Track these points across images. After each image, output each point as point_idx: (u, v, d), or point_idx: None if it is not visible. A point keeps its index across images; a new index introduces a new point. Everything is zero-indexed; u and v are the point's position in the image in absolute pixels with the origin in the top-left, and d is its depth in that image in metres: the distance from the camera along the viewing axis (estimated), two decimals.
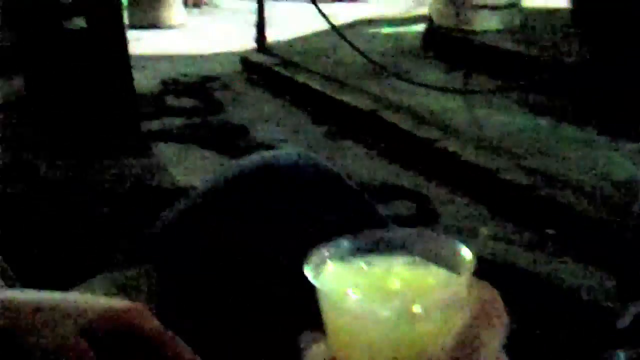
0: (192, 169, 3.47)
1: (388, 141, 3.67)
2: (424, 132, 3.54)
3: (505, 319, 0.49)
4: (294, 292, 0.66)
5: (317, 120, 4.15)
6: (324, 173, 0.85)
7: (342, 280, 0.52)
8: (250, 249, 0.79)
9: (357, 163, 3.49)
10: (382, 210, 0.86)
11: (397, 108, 3.91)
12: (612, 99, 3.51)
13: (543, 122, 3.63)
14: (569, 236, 2.65)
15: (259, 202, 0.81)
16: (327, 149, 3.67)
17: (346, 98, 4.13)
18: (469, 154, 3.23)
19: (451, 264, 0.52)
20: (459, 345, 0.47)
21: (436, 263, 0.53)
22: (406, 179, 3.29)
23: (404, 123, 3.68)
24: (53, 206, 3.09)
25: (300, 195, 0.82)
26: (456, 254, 0.52)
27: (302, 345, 0.53)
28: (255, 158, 0.87)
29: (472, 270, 0.50)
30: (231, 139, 3.90)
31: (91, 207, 3.05)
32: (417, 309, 0.49)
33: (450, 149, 3.32)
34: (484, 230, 0.56)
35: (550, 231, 2.69)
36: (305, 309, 0.56)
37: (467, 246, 0.51)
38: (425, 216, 2.94)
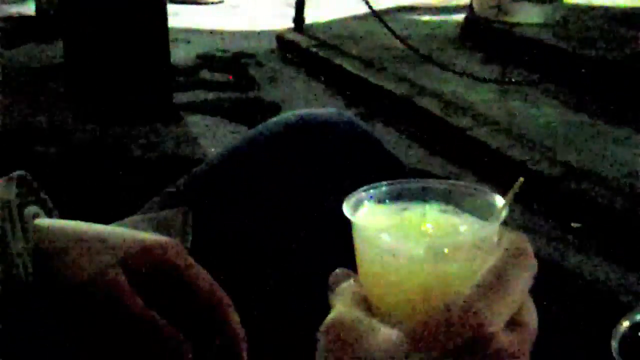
0: (221, 142, 3.50)
1: (420, 127, 3.67)
2: (456, 120, 3.53)
3: (534, 262, 0.49)
4: (324, 242, 0.67)
5: (351, 102, 4.15)
6: (360, 132, 0.86)
7: (378, 220, 0.54)
8: (284, 198, 0.80)
9: (388, 146, 3.49)
10: None
11: (431, 94, 3.89)
12: None
13: (578, 117, 3.59)
14: (594, 230, 2.63)
15: (295, 154, 0.82)
16: None
17: (381, 82, 4.13)
18: (499, 144, 3.21)
19: (484, 213, 0.53)
20: (488, 281, 0.47)
21: (469, 212, 0.54)
22: (435, 165, 3.29)
23: (437, 110, 3.67)
24: (82, 169, 3.14)
25: (335, 150, 0.83)
26: (488, 202, 0.53)
27: (332, 280, 0.54)
28: (294, 113, 0.88)
29: (502, 217, 0.51)
30: (262, 116, 3.92)
31: (119, 172, 3.09)
32: (447, 249, 0.50)
33: (481, 138, 3.31)
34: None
35: (575, 225, 2.68)
36: (335, 257, 0.57)
37: (500, 195, 0.52)
38: None
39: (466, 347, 0.46)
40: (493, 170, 3.13)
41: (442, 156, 3.36)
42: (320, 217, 0.74)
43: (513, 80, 4.04)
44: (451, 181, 0.56)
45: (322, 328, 0.50)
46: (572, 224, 2.69)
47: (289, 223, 0.79)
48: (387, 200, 0.55)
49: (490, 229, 0.51)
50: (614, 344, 0.52)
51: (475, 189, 0.54)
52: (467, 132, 3.38)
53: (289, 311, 0.74)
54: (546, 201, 2.83)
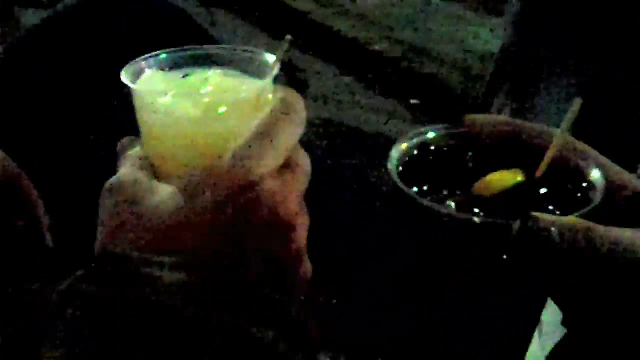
0: None
1: (262, 11, 3.62)
2: (297, 4, 3.52)
3: (303, 115, 0.52)
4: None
5: None
6: (165, 5, 0.85)
7: (159, 85, 0.54)
8: (87, 77, 0.79)
9: (230, 32, 3.44)
10: None
11: None
12: None
13: None
14: (432, 106, 2.75)
15: (99, 30, 0.81)
16: (200, 17, 3.59)
17: None
18: (341, 26, 3.25)
19: (262, 74, 0.55)
20: (257, 132, 0.50)
21: (251, 75, 0.56)
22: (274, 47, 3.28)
23: None
24: None
25: (141, 24, 0.82)
26: (265, 63, 0.55)
27: (119, 148, 0.55)
28: None
29: (274, 74, 0.53)
30: None
31: None
32: (223, 108, 0.51)
33: (323, 20, 3.33)
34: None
35: (414, 101, 2.78)
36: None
37: (272, 53, 0.54)
38: (295, 86, 2.95)
39: (237, 194, 0.49)
40: (335, 51, 3.17)
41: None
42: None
43: None
44: (232, 46, 0.57)
45: (104, 189, 0.51)
46: (411, 101, 2.79)
47: (94, 100, 0.79)
48: (169, 68, 0.56)
49: (263, 86, 0.53)
50: (391, 166, 0.56)
51: (252, 51, 0.56)
52: (309, 15, 3.38)
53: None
54: (386, 80, 2.92)
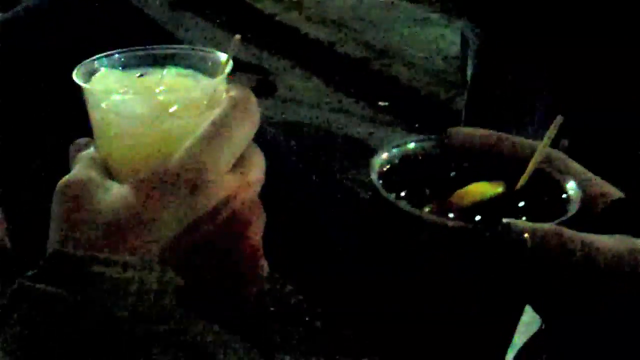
0: None
1: (229, 13, 3.62)
2: (265, 6, 3.52)
3: (256, 112, 0.52)
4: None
5: None
6: (129, 7, 0.85)
7: (111, 84, 0.54)
8: (45, 73, 0.79)
9: (199, 34, 3.43)
10: None
11: None
12: None
13: None
14: (399, 107, 2.76)
15: (55, 31, 0.81)
16: (170, 20, 3.57)
17: None
18: (309, 28, 3.25)
19: (216, 72, 0.55)
20: (209, 130, 0.50)
21: (205, 73, 0.56)
22: (247, 52, 3.28)
23: None
24: None
25: (102, 25, 0.82)
26: (217, 61, 0.55)
27: (72, 148, 0.55)
28: None
29: (225, 72, 0.53)
30: None
31: None
32: (173, 108, 0.52)
33: (291, 22, 3.33)
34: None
35: (382, 103, 2.79)
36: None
37: (223, 52, 0.54)
38: (264, 88, 2.96)
39: (188, 192, 0.49)
40: (303, 53, 3.17)
41: (254, 42, 3.36)
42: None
43: None
44: (187, 46, 0.57)
45: (56, 189, 0.51)
46: (379, 103, 2.80)
47: (51, 102, 0.79)
48: (124, 67, 0.56)
49: (215, 85, 0.54)
50: (373, 174, 0.56)
51: (206, 50, 0.56)
52: (277, 17, 3.38)
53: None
54: (354, 82, 2.92)
